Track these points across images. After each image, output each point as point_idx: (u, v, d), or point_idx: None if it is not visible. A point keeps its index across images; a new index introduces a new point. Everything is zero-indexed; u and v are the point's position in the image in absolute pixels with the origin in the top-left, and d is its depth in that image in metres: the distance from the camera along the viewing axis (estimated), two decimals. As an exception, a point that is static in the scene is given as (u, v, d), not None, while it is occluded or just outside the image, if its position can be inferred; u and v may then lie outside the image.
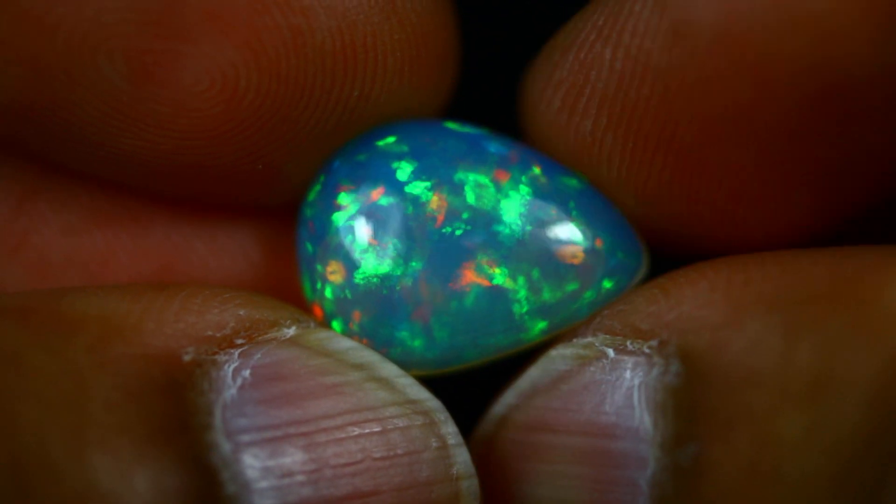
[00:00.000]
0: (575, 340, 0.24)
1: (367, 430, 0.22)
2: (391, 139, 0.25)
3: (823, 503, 0.20)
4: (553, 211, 0.24)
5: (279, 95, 0.23)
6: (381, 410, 0.22)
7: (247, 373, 0.22)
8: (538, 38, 0.25)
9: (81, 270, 0.26)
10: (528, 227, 0.24)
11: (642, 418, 0.22)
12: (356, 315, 0.24)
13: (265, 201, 0.26)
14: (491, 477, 0.24)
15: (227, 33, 0.23)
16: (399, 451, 0.22)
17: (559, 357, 0.24)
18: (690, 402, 0.22)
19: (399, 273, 0.24)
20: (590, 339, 0.23)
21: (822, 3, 0.21)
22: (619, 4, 0.23)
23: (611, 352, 0.23)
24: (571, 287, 0.24)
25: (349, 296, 0.24)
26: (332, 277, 0.24)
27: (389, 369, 0.23)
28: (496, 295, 0.24)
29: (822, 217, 0.24)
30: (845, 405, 0.20)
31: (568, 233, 0.24)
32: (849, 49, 0.22)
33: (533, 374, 0.24)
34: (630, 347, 0.23)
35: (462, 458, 0.23)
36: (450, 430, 0.23)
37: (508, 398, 0.24)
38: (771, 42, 0.22)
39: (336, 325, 0.24)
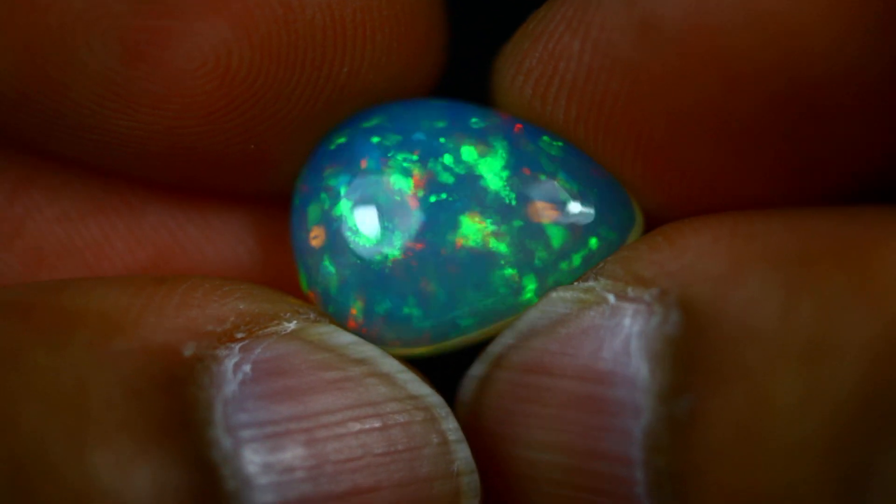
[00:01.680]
0: (576, 284, 0.24)
1: (367, 426, 0.22)
2: (374, 118, 0.25)
3: (815, 466, 0.20)
4: (538, 172, 0.24)
5: (271, 72, 0.23)
6: (382, 406, 0.22)
7: (247, 367, 0.22)
8: (524, 17, 0.25)
9: (77, 258, 0.26)
10: (514, 190, 0.24)
11: (639, 367, 0.22)
12: (352, 294, 0.24)
13: (258, 187, 0.26)
14: (483, 417, 0.24)
15: (218, 10, 0.23)
16: (399, 447, 0.22)
17: (559, 299, 0.23)
18: (688, 353, 0.21)
19: (389, 246, 0.24)
20: (591, 283, 0.23)
21: (788, 2, 0.21)
22: None
23: (611, 297, 0.23)
24: (561, 246, 0.24)
25: (343, 275, 0.24)
26: (314, 242, 0.24)
27: (390, 364, 0.23)
28: (487, 259, 0.24)
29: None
30: (842, 369, 0.20)
31: (554, 193, 0.24)
32: (814, 46, 0.22)
33: (532, 315, 0.24)
34: (631, 294, 0.23)
35: (463, 453, 0.23)
36: (450, 425, 0.23)
37: (506, 338, 0.24)
38: (738, 38, 0.22)
39: (332, 307, 0.24)
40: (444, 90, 0.26)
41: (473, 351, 0.24)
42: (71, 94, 0.23)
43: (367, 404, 0.22)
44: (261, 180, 0.26)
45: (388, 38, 0.24)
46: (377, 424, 0.22)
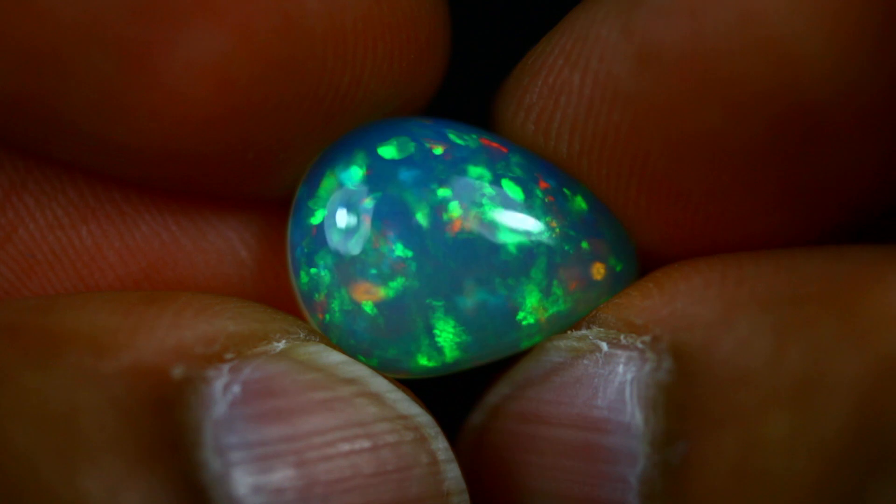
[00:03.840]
0: (570, 332, 0.24)
1: (357, 447, 0.22)
2: (392, 144, 0.24)
3: (807, 502, 0.20)
4: (556, 221, 0.24)
5: (271, 81, 0.23)
6: (372, 426, 0.22)
7: (237, 388, 0.22)
8: (531, 32, 0.25)
9: (68, 266, 0.26)
10: (537, 241, 0.24)
11: (634, 414, 0.22)
12: (357, 325, 0.24)
13: (256, 194, 0.26)
14: (482, 466, 0.24)
15: (217, 19, 0.22)
16: (389, 468, 0.22)
17: (553, 349, 0.24)
18: (681, 399, 0.22)
19: (402, 284, 0.23)
20: (584, 331, 0.24)
21: (786, 27, 0.21)
22: (586, 28, 0.23)
23: (604, 345, 0.23)
24: (575, 297, 0.24)
25: (348, 307, 0.24)
26: (333, 289, 0.24)
27: (380, 384, 0.23)
28: (503, 306, 0.24)
29: (798, 235, 0.24)
30: (832, 408, 0.20)
31: (577, 250, 0.24)
32: (813, 71, 0.22)
33: (527, 365, 0.24)
34: (624, 342, 0.23)
35: (453, 473, 0.23)
36: (440, 445, 0.23)
37: (502, 388, 0.24)
38: (736, 65, 0.22)
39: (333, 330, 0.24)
40: (445, 98, 0.26)
41: (468, 370, 0.24)
42: (68, 100, 0.23)
43: (357, 424, 0.22)
44: (259, 188, 0.26)
45: (389, 47, 0.24)
46: (367, 445, 0.22)
